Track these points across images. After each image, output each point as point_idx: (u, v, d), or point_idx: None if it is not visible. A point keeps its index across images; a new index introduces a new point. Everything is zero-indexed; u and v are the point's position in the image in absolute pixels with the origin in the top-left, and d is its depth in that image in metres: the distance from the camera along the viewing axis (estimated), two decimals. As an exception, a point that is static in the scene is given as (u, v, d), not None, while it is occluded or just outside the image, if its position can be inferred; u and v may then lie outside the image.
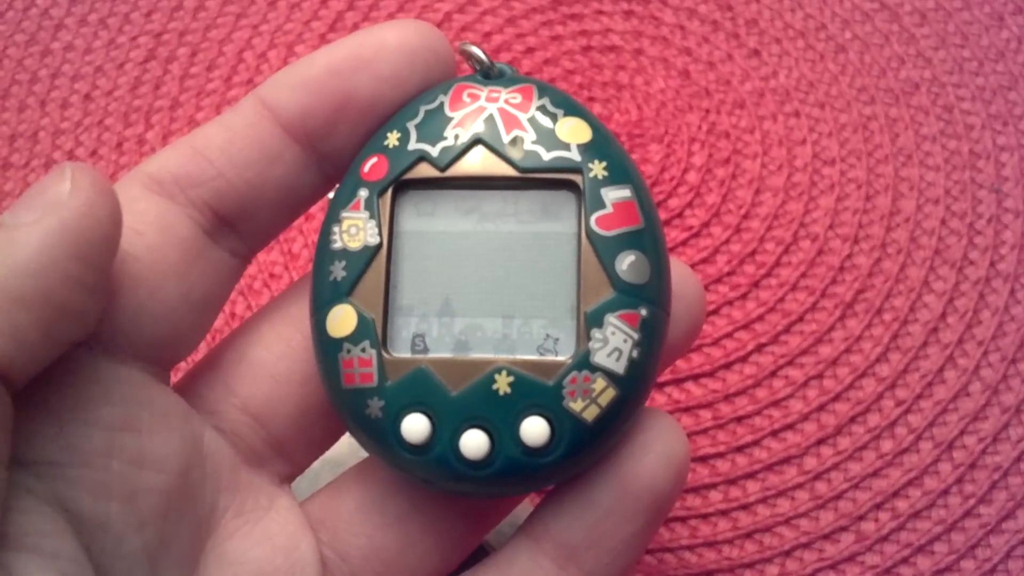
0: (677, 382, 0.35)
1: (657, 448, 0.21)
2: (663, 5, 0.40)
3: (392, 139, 0.21)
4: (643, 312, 0.20)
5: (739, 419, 0.34)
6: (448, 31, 0.39)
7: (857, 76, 0.39)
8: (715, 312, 0.35)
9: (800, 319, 0.35)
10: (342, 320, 0.21)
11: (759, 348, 0.35)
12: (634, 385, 0.20)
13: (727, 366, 0.35)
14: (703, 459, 0.34)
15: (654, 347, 0.21)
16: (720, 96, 0.38)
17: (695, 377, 0.35)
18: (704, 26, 0.39)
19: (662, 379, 0.34)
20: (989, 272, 0.36)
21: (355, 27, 0.40)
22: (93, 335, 0.19)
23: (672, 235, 0.36)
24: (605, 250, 0.20)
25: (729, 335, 0.35)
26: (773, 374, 0.35)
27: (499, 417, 0.20)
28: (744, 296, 0.36)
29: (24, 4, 0.40)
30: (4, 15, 0.40)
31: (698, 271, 0.36)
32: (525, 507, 0.27)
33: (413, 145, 0.21)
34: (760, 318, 0.35)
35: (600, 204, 0.21)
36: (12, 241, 0.17)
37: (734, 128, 0.38)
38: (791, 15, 0.39)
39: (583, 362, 0.20)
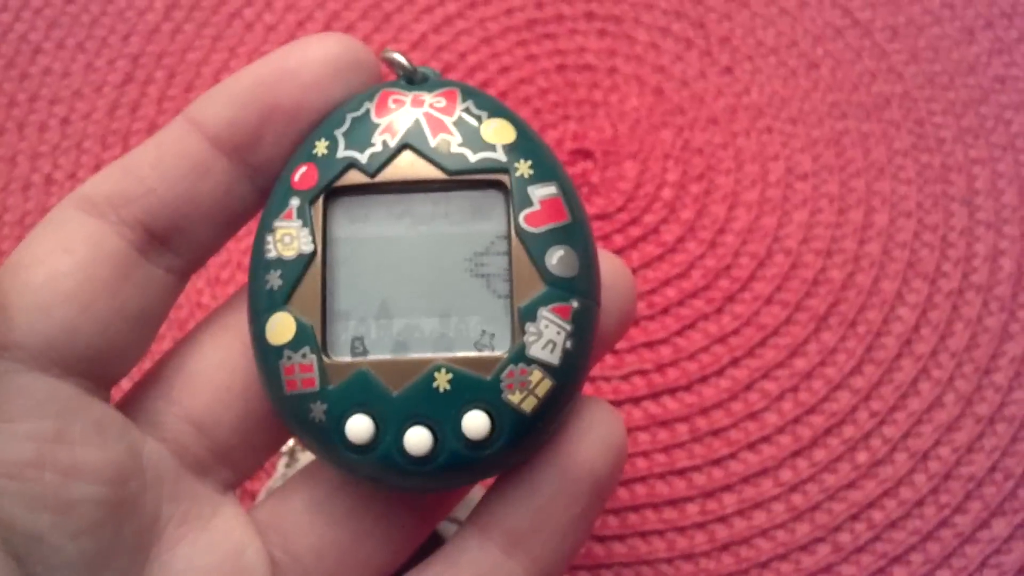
0: (653, 396, 0.35)
1: (595, 433, 0.22)
2: (636, 24, 0.40)
3: (320, 147, 0.22)
4: (574, 304, 0.21)
5: (715, 432, 0.34)
6: (424, 51, 0.40)
7: (829, 92, 0.39)
8: (691, 327, 0.36)
9: (775, 333, 0.35)
10: (281, 327, 0.21)
11: (734, 362, 0.35)
12: (569, 375, 0.21)
13: (703, 380, 0.35)
14: (680, 472, 0.34)
15: (587, 337, 0.21)
16: (694, 113, 0.39)
17: (671, 391, 0.35)
18: (677, 44, 0.40)
19: (638, 393, 0.35)
20: (962, 284, 0.36)
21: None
22: (13, 348, 0.20)
23: (647, 251, 0.37)
24: (535, 246, 0.21)
25: (705, 349, 0.35)
26: (748, 387, 0.35)
27: (441, 413, 0.20)
28: (719, 310, 0.36)
29: (2, 29, 0.40)
30: (-17, 40, 0.40)
31: (673, 286, 0.36)
32: (478, 492, 0.27)
33: (342, 152, 0.22)
34: (735, 332, 0.36)
35: (528, 202, 0.21)
36: None
37: (708, 144, 0.38)
38: (763, 32, 0.40)
39: (519, 355, 0.20)
